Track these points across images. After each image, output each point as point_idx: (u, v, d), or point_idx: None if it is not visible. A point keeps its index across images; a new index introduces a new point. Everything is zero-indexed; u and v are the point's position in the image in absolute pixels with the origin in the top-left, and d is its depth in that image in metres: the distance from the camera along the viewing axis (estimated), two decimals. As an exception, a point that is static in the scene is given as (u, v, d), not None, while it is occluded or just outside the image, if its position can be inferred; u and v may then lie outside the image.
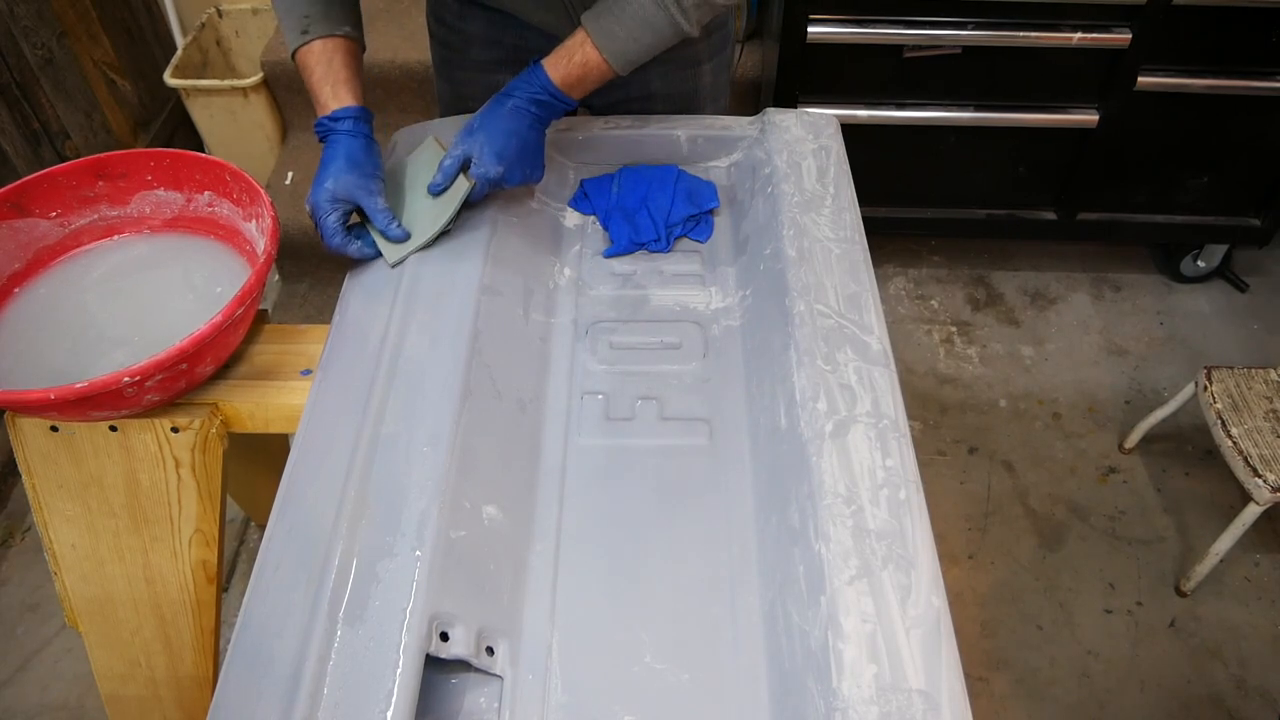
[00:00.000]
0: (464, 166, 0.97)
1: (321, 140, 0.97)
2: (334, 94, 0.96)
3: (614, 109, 1.19)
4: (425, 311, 0.91)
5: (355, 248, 0.97)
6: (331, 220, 0.94)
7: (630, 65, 0.97)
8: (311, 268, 2.24)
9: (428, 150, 1.03)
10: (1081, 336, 2.15)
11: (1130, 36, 1.76)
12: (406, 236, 0.97)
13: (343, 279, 0.99)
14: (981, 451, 1.92)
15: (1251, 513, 1.56)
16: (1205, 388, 1.64)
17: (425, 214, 0.98)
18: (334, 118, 0.96)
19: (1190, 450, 1.92)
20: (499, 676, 0.71)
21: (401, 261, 0.97)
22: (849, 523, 0.73)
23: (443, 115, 1.26)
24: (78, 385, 0.77)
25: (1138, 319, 2.20)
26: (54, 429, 0.91)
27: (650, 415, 0.90)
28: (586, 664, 0.73)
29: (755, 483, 0.84)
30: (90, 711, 1.53)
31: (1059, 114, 1.92)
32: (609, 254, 1.06)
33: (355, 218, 0.99)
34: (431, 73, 1.29)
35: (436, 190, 0.97)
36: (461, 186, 0.96)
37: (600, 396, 0.92)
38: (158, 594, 1.00)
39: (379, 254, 0.98)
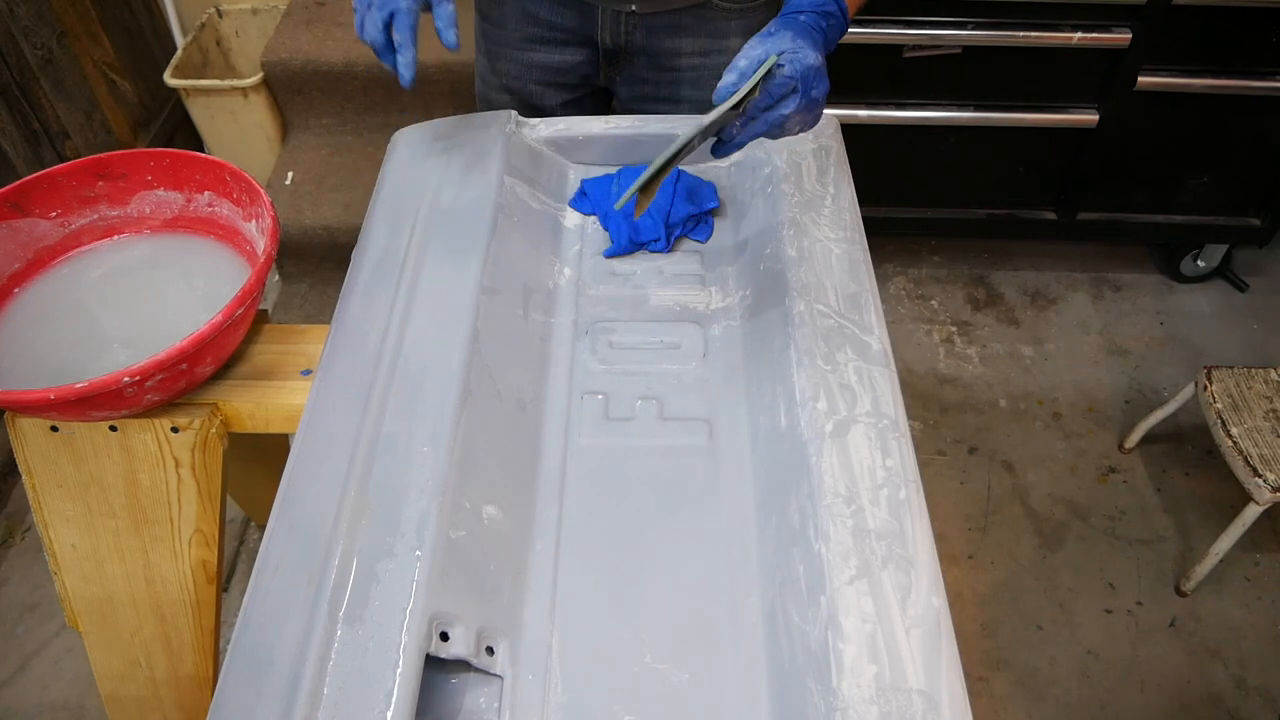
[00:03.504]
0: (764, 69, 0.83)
1: None
2: None
3: (640, 104, 1.21)
4: (425, 311, 0.90)
5: (409, 56, 0.91)
6: (404, 4, 0.90)
7: None
8: (311, 268, 2.24)
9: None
10: (1081, 336, 2.15)
11: (1130, 36, 1.76)
12: (455, 43, 0.92)
13: (343, 279, 1.00)
14: (981, 451, 1.92)
15: (1251, 513, 1.56)
16: (1205, 388, 1.64)
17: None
18: None
19: (1190, 450, 1.92)
20: (499, 676, 0.71)
21: (659, 169, 0.81)
22: (849, 523, 0.73)
23: (478, 87, 1.28)
24: (78, 385, 0.77)
25: (1138, 319, 2.19)
26: (54, 429, 0.91)
27: (650, 415, 0.90)
28: (586, 664, 0.73)
29: (755, 483, 0.84)
30: (90, 711, 1.53)
31: (1059, 114, 1.92)
32: (609, 254, 1.06)
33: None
34: (431, 72, 1.29)
35: (727, 93, 0.81)
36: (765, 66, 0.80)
37: (600, 396, 0.92)
38: (158, 594, 1.00)
39: (412, 78, 0.92)
